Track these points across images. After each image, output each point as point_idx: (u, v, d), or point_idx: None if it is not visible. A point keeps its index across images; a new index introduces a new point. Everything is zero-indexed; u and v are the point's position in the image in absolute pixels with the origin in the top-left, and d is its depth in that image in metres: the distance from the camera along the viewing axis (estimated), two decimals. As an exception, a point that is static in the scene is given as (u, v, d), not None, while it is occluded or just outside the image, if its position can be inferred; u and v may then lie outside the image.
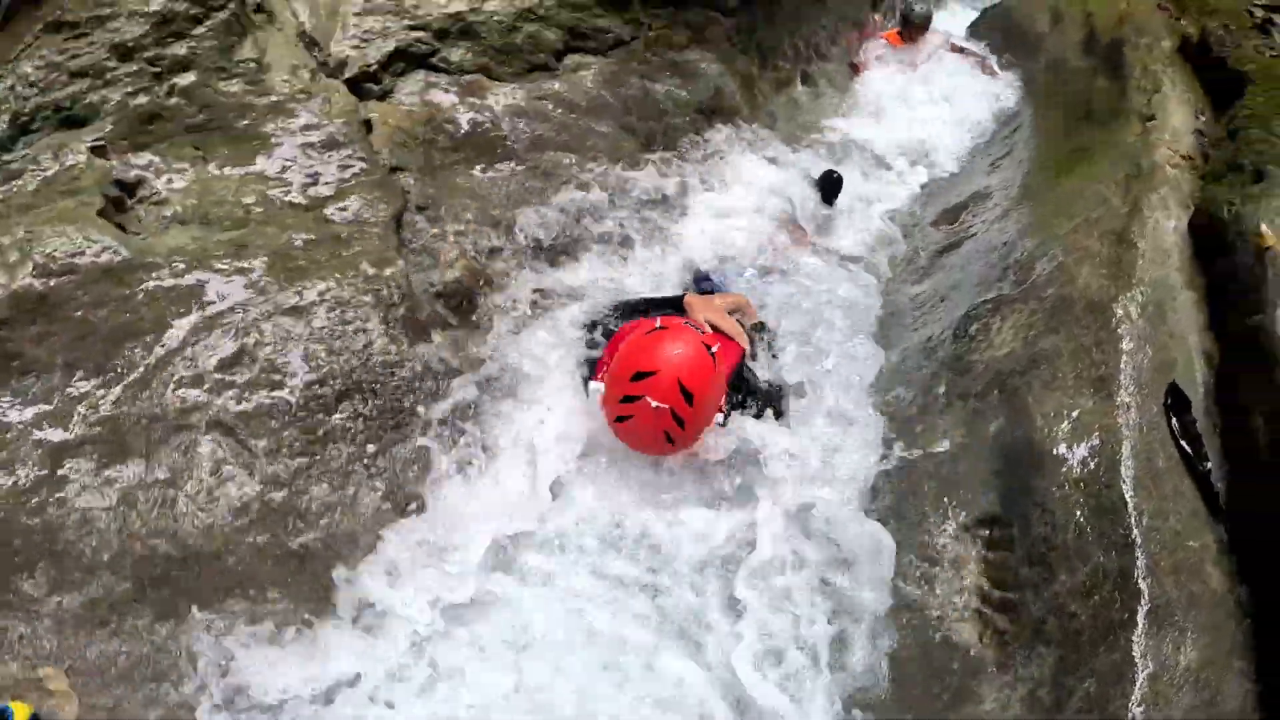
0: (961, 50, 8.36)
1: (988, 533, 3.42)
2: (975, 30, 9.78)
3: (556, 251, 4.58)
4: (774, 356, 4.12)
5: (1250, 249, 3.71)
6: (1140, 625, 2.87)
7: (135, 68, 3.89)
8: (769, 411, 3.68)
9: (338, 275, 3.63)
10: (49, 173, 3.62)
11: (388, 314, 3.63)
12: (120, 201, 3.67)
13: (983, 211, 5.99)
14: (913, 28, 8.08)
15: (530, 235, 4.50)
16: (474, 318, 4.15)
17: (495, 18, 4.94)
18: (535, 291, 4.35)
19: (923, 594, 3.35)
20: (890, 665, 3.23)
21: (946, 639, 3.22)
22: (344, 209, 3.90)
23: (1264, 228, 3.72)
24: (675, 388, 3.19)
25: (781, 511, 3.42)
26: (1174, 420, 3.40)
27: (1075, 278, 4.02)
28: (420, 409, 3.58)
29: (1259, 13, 5.70)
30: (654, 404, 3.17)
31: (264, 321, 3.43)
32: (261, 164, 3.92)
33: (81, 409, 3.13)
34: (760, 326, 4.21)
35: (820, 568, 3.43)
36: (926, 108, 7.73)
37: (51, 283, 3.26)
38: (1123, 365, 3.55)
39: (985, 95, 7.75)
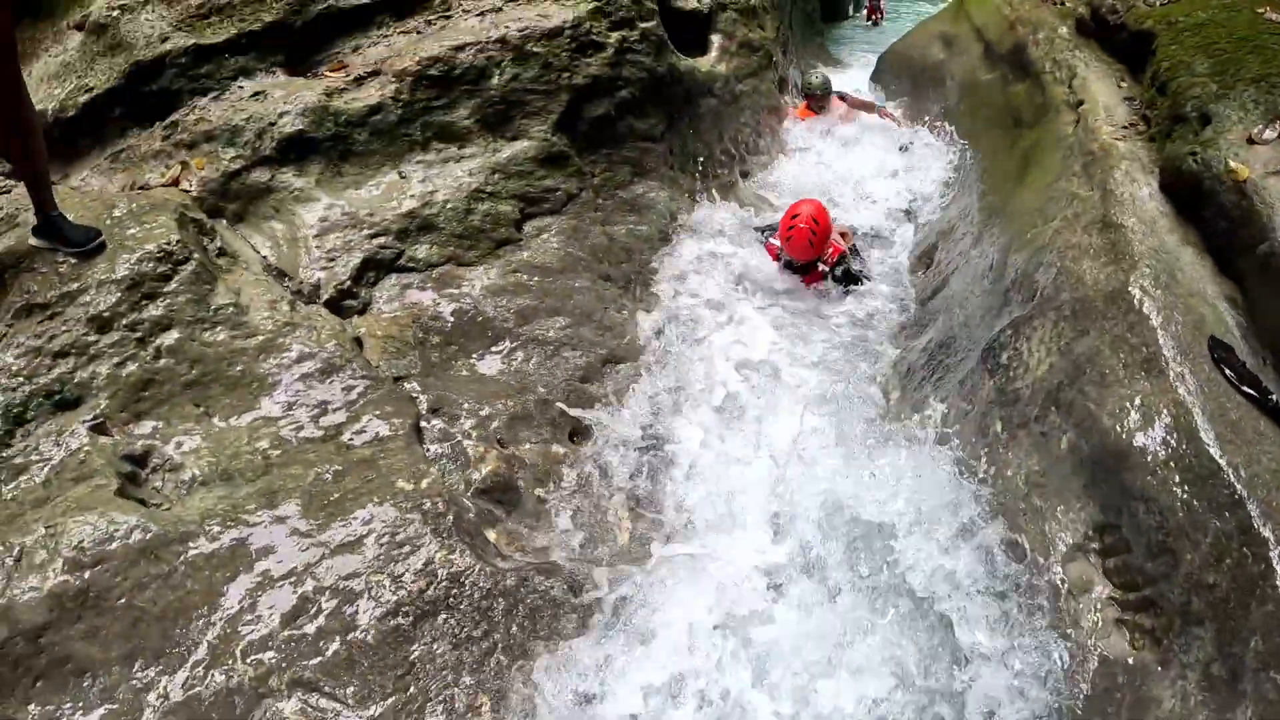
0: (861, 105, 9.61)
1: (1100, 543, 3.59)
2: (877, 77, 10.87)
3: (574, 419, 4.90)
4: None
5: (1228, 187, 4.04)
6: (1279, 567, 3.01)
7: (117, 337, 4.11)
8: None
9: (376, 499, 3.82)
10: (55, 461, 3.73)
11: (438, 525, 3.79)
12: (135, 476, 3.78)
13: (954, 245, 6.42)
14: (817, 98, 9.30)
15: (549, 412, 4.81)
16: (523, 505, 4.36)
17: (448, 205, 5.34)
18: (567, 462, 4.64)
19: (1062, 627, 3.47)
20: (1062, 710, 3.33)
21: (1103, 659, 3.35)
22: (361, 431, 4.14)
23: (1231, 163, 4.08)
24: (811, 216, 6.19)
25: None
26: (1226, 370, 3.65)
27: (1081, 277, 4.30)
28: (501, 611, 3.69)
29: None
30: (802, 225, 6.16)
31: (317, 566, 3.59)
32: (266, 406, 4.14)
33: (152, 699, 3.18)
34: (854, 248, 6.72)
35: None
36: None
37: (87, 575, 3.35)
38: (1161, 340, 3.77)
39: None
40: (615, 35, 6.26)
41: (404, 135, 5.47)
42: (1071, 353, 4.06)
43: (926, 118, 8.65)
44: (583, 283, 5.58)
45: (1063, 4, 7.03)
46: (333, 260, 4.96)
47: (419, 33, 5.88)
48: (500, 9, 6.05)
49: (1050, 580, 3.61)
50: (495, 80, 5.71)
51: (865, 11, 19.05)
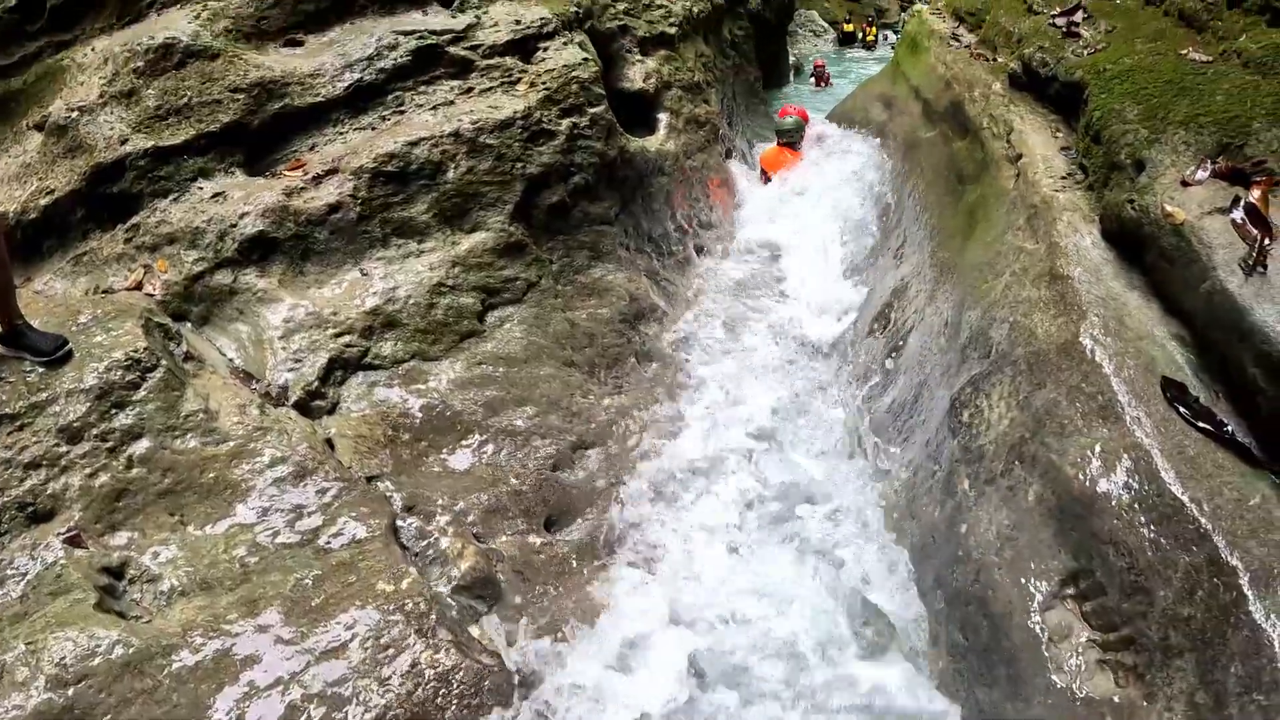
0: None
1: (1076, 588, 3.78)
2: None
3: (553, 506, 5.15)
4: None
5: (1166, 231, 4.29)
6: (1250, 594, 3.21)
7: (88, 447, 4.22)
8: None
9: (358, 603, 3.94)
10: (31, 575, 3.83)
11: (422, 626, 3.90)
12: (113, 588, 3.87)
13: (908, 303, 6.69)
14: (791, 136, 10.51)
15: (522, 502, 5.02)
16: (504, 599, 4.52)
17: (411, 301, 5.56)
18: (549, 560, 4.85)
19: (1050, 675, 3.64)
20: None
21: (1088, 700, 3.51)
22: (338, 534, 4.25)
23: (1167, 207, 4.33)
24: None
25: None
26: (1180, 408, 3.89)
27: (1034, 331, 4.54)
28: (490, 708, 3.85)
29: (1060, 22, 6.61)
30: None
31: (303, 673, 3.68)
32: (241, 512, 4.23)
33: (144, 818, 3.30)
34: None
35: None
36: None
37: (70, 692, 3.42)
38: (1115, 387, 4.02)
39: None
40: (566, 122, 6.58)
41: (364, 232, 5.70)
42: (1030, 406, 4.28)
43: (872, 176, 9.14)
44: (548, 370, 5.78)
45: (994, 60, 7.46)
46: (299, 361, 5.14)
47: (374, 129, 6.16)
48: (452, 103, 6.35)
49: (1030, 627, 3.79)
50: (451, 174, 5.99)
51: (812, 79, 20.05)
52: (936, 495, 4.74)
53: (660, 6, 8.91)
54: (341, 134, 6.14)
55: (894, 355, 6.40)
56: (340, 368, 5.25)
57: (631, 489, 5.49)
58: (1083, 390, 4.13)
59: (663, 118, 8.36)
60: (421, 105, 6.33)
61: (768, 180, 10.51)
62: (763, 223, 9.26)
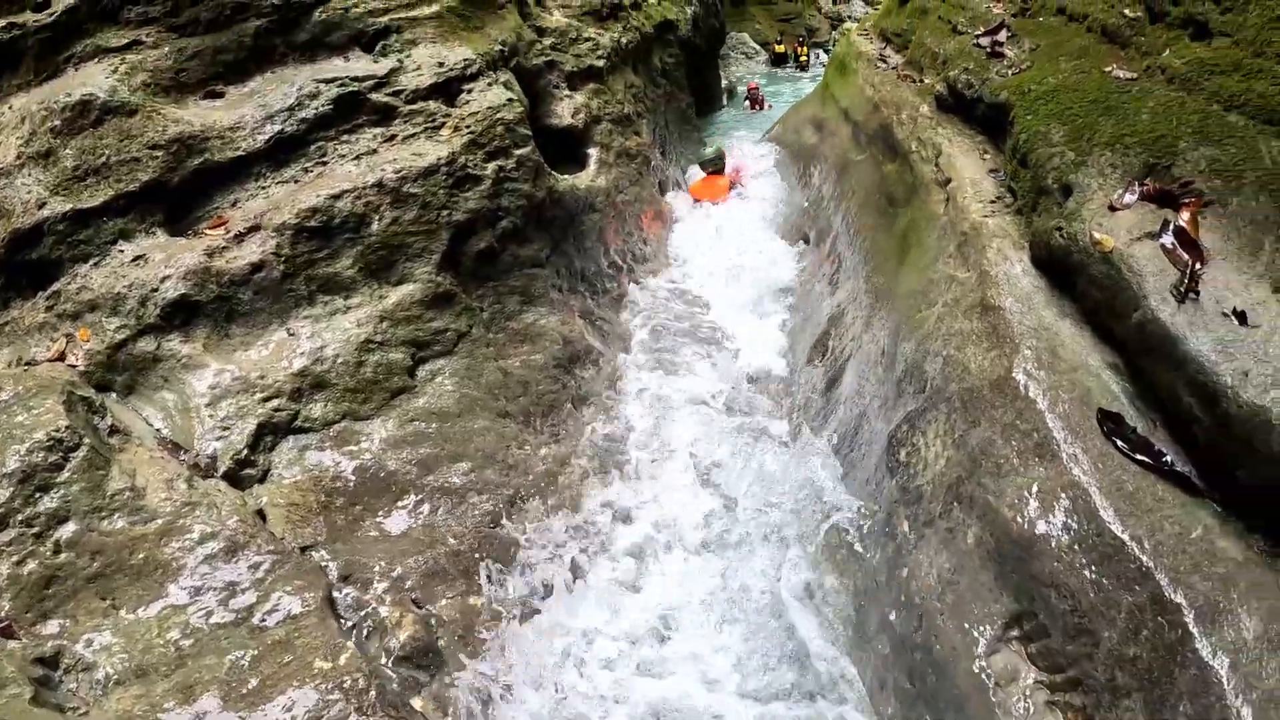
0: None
1: (1020, 630, 3.75)
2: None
3: (494, 564, 5.08)
4: None
5: (1096, 259, 4.23)
6: (1196, 631, 3.18)
7: (13, 534, 4.14)
8: None
9: (296, 682, 3.86)
10: None
11: (362, 703, 3.82)
12: (48, 680, 3.75)
13: (845, 331, 6.67)
14: (715, 165, 10.95)
15: (462, 562, 4.96)
16: (445, 669, 4.46)
17: (339, 360, 5.48)
18: (491, 622, 4.81)
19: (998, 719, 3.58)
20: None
21: None
22: (273, 610, 4.16)
23: (1095, 235, 4.27)
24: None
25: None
26: (1117, 441, 3.84)
27: (967, 365, 4.51)
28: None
29: (985, 42, 6.61)
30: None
31: None
32: (174, 593, 4.15)
33: None
34: None
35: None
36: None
37: None
38: (1050, 423, 3.98)
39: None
40: (491, 166, 6.52)
41: (289, 291, 5.60)
42: (966, 445, 4.23)
43: (806, 202, 9.21)
44: (482, 423, 5.71)
45: (921, 82, 7.46)
46: (227, 429, 5.05)
47: (297, 181, 6.06)
48: (375, 151, 6.24)
49: (977, 671, 3.77)
50: (375, 226, 5.91)
51: (747, 103, 20.03)
52: (878, 536, 4.72)
53: (588, 40, 8.87)
54: (264, 188, 6.05)
55: (833, 386, 6.38)
56: (270, 433, 5.16)
57: (570, 541, 5.53)
58: (1018, 428, 4.10)
59: (593, 153, 8.35)
60: (344, 155, 6.29)
61: (697, 202, 10.64)
62: (697, 254, 9.27)
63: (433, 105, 6.71)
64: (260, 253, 5.62)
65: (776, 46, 29.09)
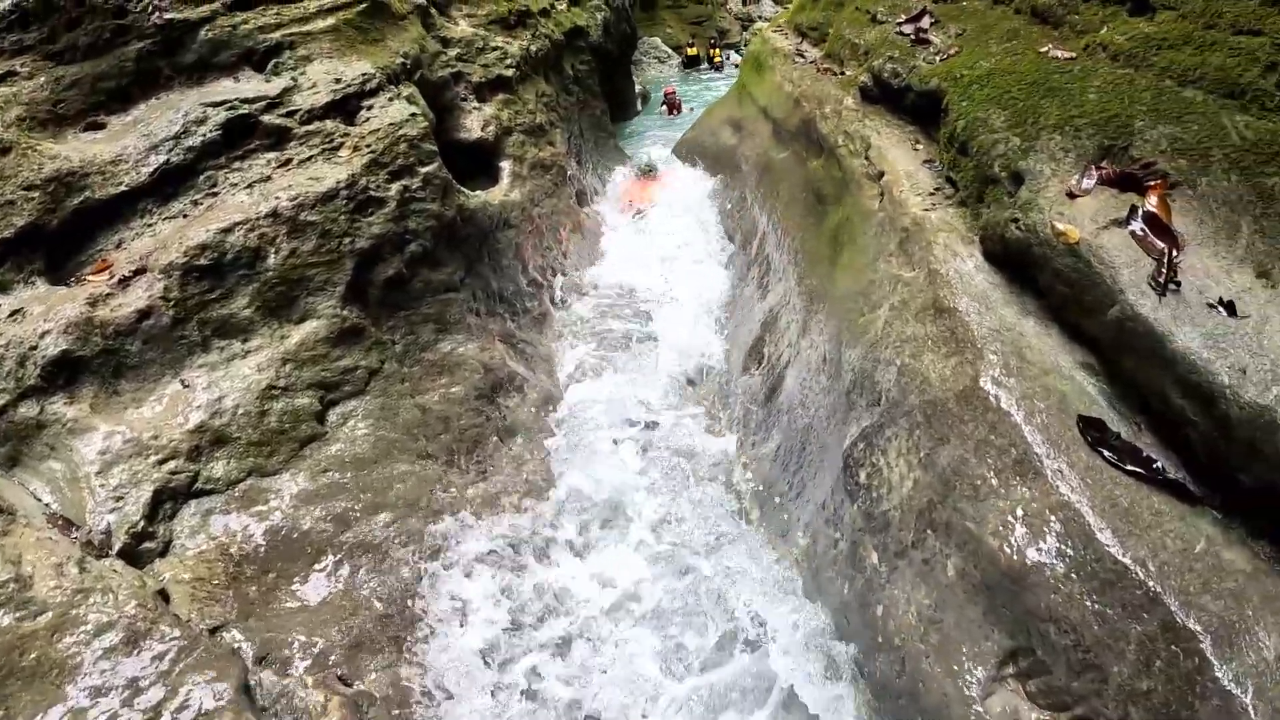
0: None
1: (1016, 667, 3.33)
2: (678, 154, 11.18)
3: (423, 625, 4.62)
4: None
5: (1060, 251, 3.84)
6: (1213, 657, 2.85)
7: None
8: None
9: None
10: None
11: None
12: None
13: (780, 336, 6.26)
14: (650, 173, 11.08)
15: (389, 628, 4.48)
16: None
17: (240, 411, 4.90)
18: (419, 683, 4.32)
19: None
20: None
21: None
22: (184, 707, 3.62)
23: (1058, 225, 3.88)
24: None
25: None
26: (1104, 452, 3.45)
27: (926, 376, 4.07)
28: None
29: (908, 30, 6.25)
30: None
31: None
32: (73, 695, 3.61)
33: None
34: None
35: None
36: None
37: None
38: (1028, 436, 3.55)
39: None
40: (395, 187, 5.94)
41: (181, 338, 4.99)
42: (935, 465, 3.81)
43: (729, 204, 8.82)
44: (402, 467, 5.16)
45: (842, 74, 7.03)
46: (121, 499, 4.42)
47: (186, 216, 5.42)
48: (269, 178, 5.60)
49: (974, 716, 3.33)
50: (271, 260, 5.32)
51: (663, 107, 19.75)
52: (843, 569, 4.25)
53: (496, 49, 8.25)
54: (150, 226, 5.35)
55: (774, 396, 5.96)
56: (168, 499, 4.51)
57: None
58: (992, 443, 3.65)
59: (505, 166, 7.79)
60: (236, 184, 5.66)
61: (635, 213, 10.27)
62: (620, 263, 8.71)
63: (330, 125, 6.16)
64: (147, 298, 4.99)
65: (689, 49, 29.02)
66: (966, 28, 5.82)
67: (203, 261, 5.20)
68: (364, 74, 6.34)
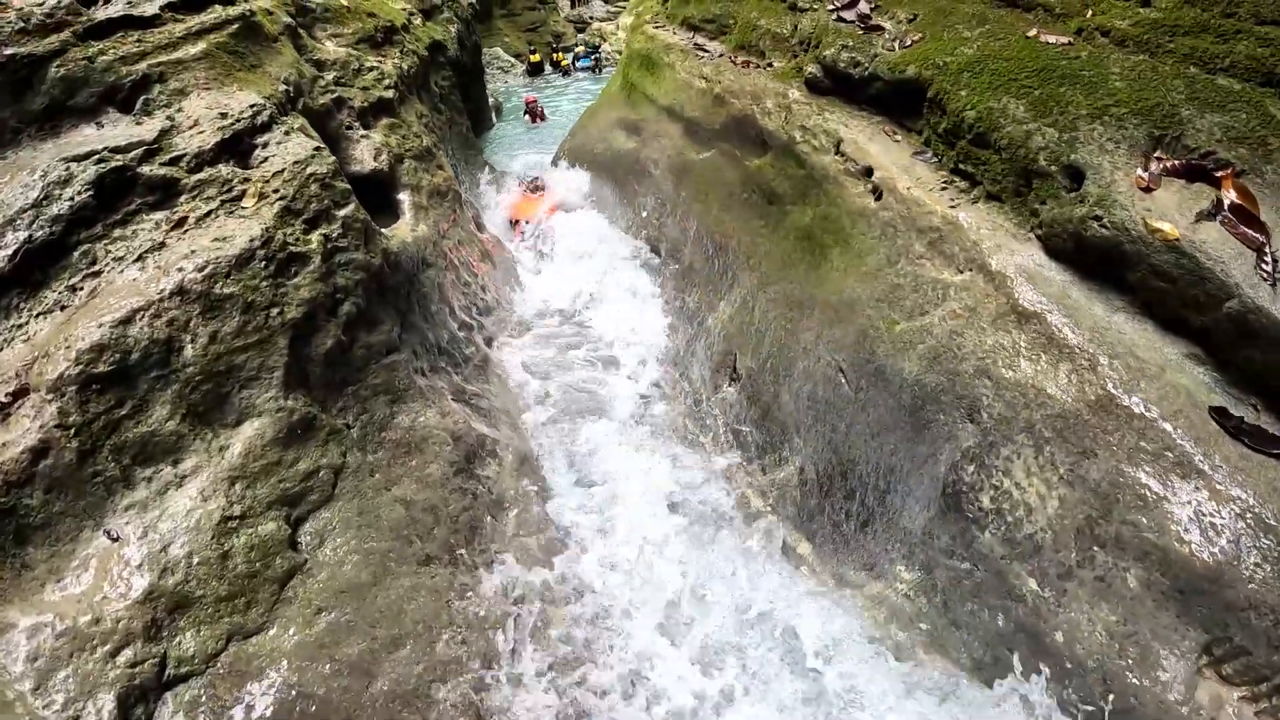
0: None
1: (1213, 656, 3.20)
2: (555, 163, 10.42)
3: None
4: None
5: (1158, 248, 3.62)
6: None
7: None
8: None
9: None
10: None
11: None
12: None
13: (753, 348, 5.71)
14: (536, 184, 10.26)
15: None
16: None
17: (195, 559, 3.69)
18: None
19: None
20: None
21: None
22: None
23: (1152, 222, 3.65)
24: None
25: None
26: (1245, 440, 3.35)
27: (1040, 387, 3.72)
28: None
29: (850, 16, 5.77)
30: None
31: None
32: None
33: None
34: None
35: None
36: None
37: None
38: (1179, 438, 3.38)
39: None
40: (315, 237, 4.76)
41: (94, 476, 3.67)
42: (1085, 481, 3.50)
43: (644, 212, 8.00)
44: (405, 582, 4.09)
45: (769, 66, 6.48)
46: (77, 717, 3.16)
47: (64, 308, 4.03)
48: (163, 244, 4.28)
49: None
50: (190, 351, 4.06)
51: (526, 116, 18.60)
52: (989, 600, 3.80)
53: (372, 69, 7.06)
54: (21, 328, 3.94)
55: (768, 415, 5.41)
56: (137, 701, 3.28)
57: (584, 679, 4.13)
58: (1144, 450, 3.41)
59: (404, 198, 6.64)
60: (122, 258, 4.30)
61: (517, 226, 9.44)
62: (543, 288, 7.83)
63: (225, 170, 4.85)
64: (39, 430, 3.62)
65: (531, 56, 27.84)
66: (918, 13, 5.43)
67: (102, 368, 3.91)
68: (253, 105, 5.11)
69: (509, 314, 7.21)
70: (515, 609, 4.40)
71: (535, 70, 27.20)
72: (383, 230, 5.68)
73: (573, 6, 35.34)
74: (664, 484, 5.43)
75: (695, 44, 7.75)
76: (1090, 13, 4.60)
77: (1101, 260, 3.88)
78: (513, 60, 27.50)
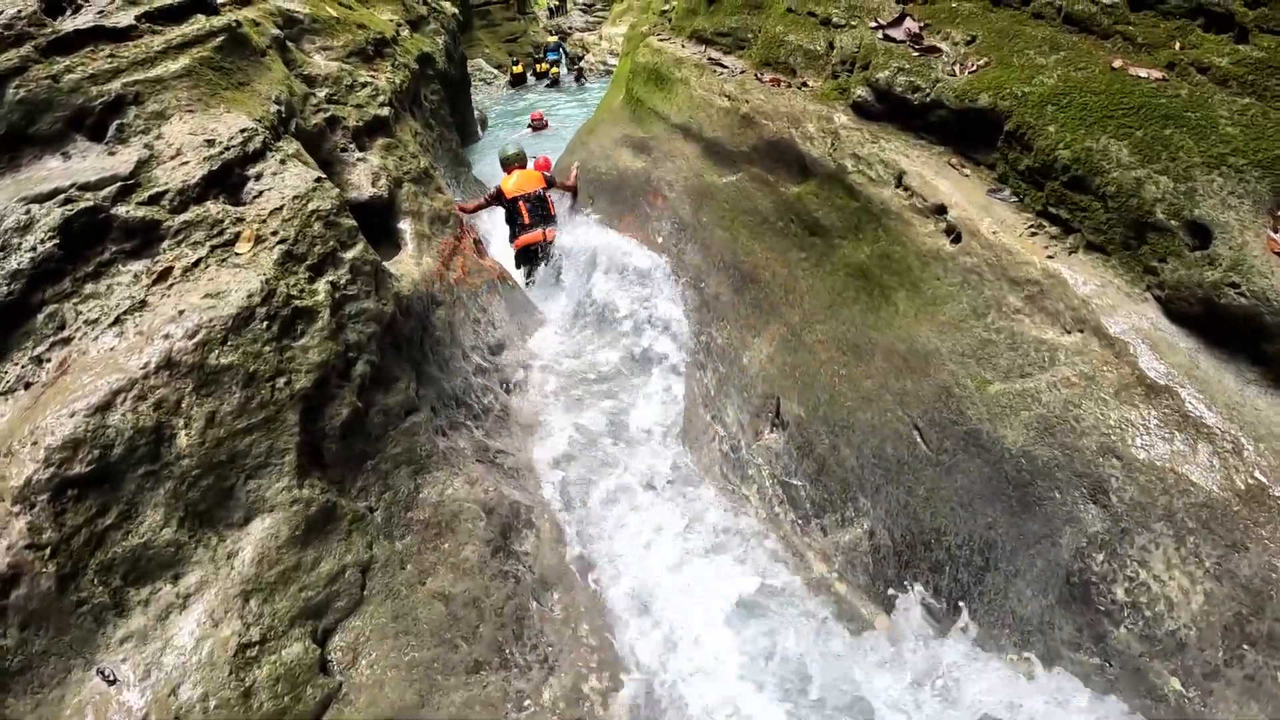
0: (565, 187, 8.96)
1: None
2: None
3: None
4: None
5: None
6: None
7: None
8: None
9: None
10: None
11: None
12: None
13: (798, 393, 4.97)
14: (516, 162, 8.76)
15: None
16: None
17: (211, 701, 2.84)
18: None
19: None
20: None
21: None
22: None
23: None
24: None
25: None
26: None
27: (1177, 472, 3.14)
28: None
29: (898, 35, 5.03)
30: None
31: None
32: None
33: None
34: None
35: None
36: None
37: None
38: None
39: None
40: (322, 286, 3.92)
41: (80, 604, 2.83)
42: (1234, 576, 2.98)
43: (659, 236, 7.14)
44: (457, 697, 3.33)
45: (804, 87, 5.66)
46: None
47: (29, 386, 3.20)
48: (144, 303, 3.47)
49: None
50: (183, 439, 3.20)
51: (530, 123, 17.80)
52: (1129, 696, 3.25)
53: (365, 85, 6.17)
54: None
55: (824, 470, 4.70)
56: None
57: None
58: None
59: (405, 227, 5.72)
60: (96, 321, 3.38)
61: (510, 203, 8.19)
62: (554, 318, 7.06)
63: (214, 208, 3.98)
64: (7, 552, 2.77)
65: (514, 68, 26.62)
66: (976, 34, 4.72)
67: (79, 469, 3.09)
68: (243, 131, 4.24)
69: (521, 351, 6.30)
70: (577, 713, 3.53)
71: (518, 81, 26.09)
72: (390, 270, 4.74)
73: (551, 17, 34.36)
74: (707, 542, 4.61)
75: (710, 58, 6.92)
76: (1178, 45, 3.92)
77: (1234, 328, 3.31)
78: (495, 71, 26.49)
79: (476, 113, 17.17)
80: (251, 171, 4.25)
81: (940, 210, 4.34)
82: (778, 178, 5.62)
